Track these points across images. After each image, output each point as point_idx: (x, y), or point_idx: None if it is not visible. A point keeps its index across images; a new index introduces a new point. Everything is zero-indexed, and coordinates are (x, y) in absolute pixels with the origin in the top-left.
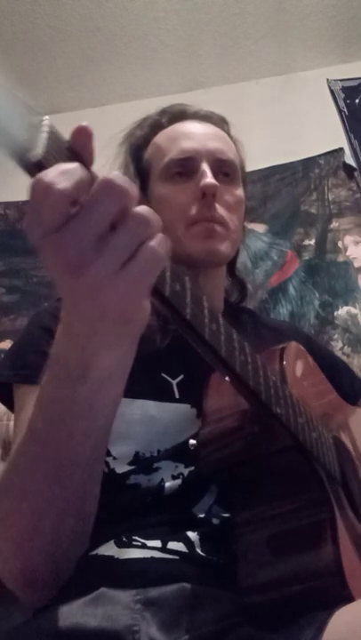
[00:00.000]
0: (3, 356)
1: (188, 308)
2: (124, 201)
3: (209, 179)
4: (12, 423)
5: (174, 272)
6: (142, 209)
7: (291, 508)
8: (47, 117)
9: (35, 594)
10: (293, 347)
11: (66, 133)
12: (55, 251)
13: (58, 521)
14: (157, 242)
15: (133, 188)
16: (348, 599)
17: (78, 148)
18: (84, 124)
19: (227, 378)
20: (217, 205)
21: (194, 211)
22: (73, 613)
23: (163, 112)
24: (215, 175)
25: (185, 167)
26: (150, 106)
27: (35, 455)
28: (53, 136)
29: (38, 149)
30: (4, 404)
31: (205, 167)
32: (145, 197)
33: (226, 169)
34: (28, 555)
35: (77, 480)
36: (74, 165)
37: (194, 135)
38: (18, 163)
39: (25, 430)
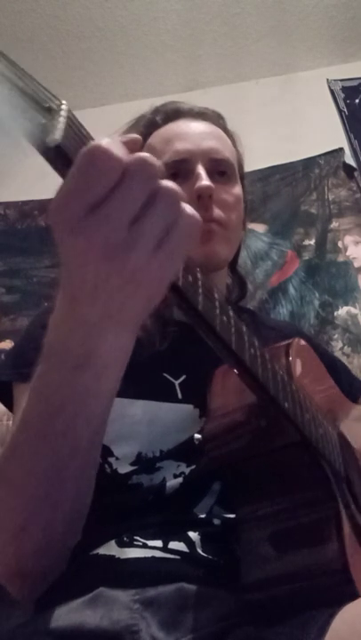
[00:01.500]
0: (3, 355)
1: (200, 298)
2: (157, 179)
3: (204, 181)
4: (11, 423)
5: (186, 264)
6: (171, 184)
7: (296, 504)
8: (65, 102)
9: (26, 586)
10: (298, 343)
11: None
12: (90, 234)
13: (53, 510)
14: (189, 214)
15: (161, 165)
16: (354, 596)
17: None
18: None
19: (235, 370)
20: (214, 206)
21: None
22: (72, 613)
23: (157, 111)
24: (211, 175)
25: (180, 169)
26: (152, 105)
27: (31, 447)
28: (72, 121)
29: (57, 134)
30: (4, 403)
31: (200, 169)
32: None
33: (221, 168)
34: (21, 545)
35: (75, 468)
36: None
37: (188, 135)
38: (36, 147)
39: (18, 424)
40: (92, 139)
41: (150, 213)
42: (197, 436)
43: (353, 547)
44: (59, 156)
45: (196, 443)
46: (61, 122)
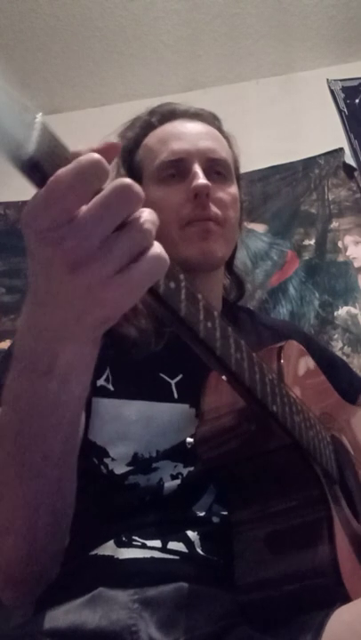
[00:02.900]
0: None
1: (182, 305)
2: (136, 205)
3: (201, 179)
4: None
5: (169, 269)
6: (149, 215)
7: (288, 506)
8: (40, 114)
9: (14, 593)
10: (292, 345)
11: (66, 133)
12: (57, 245)
13: (31, 517)
14: (158, 253)
15: (115, 145)
16: (345, 598)
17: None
18: (116, 142)
19: (223, 376)
20: (211, 204)
21: (187, 211)
22: (71, 613)
23: (152, 112)
24: (207, 174)
25: (177, 169)
26: (150, 106)
27: (6, 453)
28: (46, 133)
29: (30, 147)
30: None
31: (197, 168)
32: None
33: (218, 168)
34: (5, 552)
35: (50, 475)
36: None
37: (184, 135)
38: (10, 161)
39: None
40: (68, 151)
41: (121, 237)
42: (189, 440)
43: (345, 548)
44: (33, 169)
45: (189, 447)
46: (35, 135)
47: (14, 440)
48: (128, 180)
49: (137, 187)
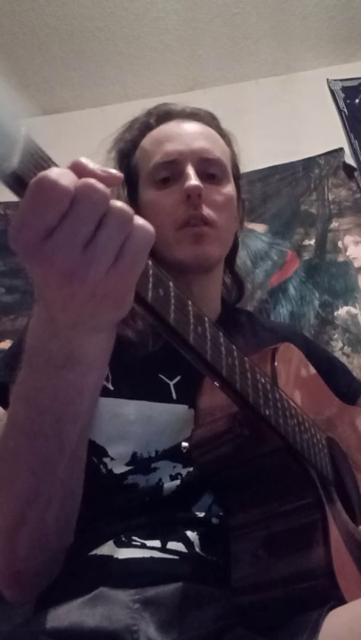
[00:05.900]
0: (2, 355)
1: (171, 313)
2: (105, 202)
3: (192, 181)
4: None
5: (157, 277)
6: (120, 205)
7: (283, 509)
8: (24, 128)
9: (21, 589)
10: (287, 347)
11: (66, 133)
12: (45, 262)
13: (43, 509)
14: (141, 226)
15: (116, 176)
16: (340, 600)
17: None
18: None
19: (215, 382)
20: (204, 206)
21: (180, 213)
22: (72, 613)
23: (149, 113)
24: (201, 176)
25: (170, 170)
26: (150, 106)
27: (20, 448)
28: (30, 147)
29: (13, 160)
30: (1, 404)
31: (190, 169)
32: (135, 202)
33: (212, 168)
34: (14, 547)
35: (64, 466)
36: (67, 170)
37: (178, 137)
38: None
39: (4, 427)
40: (53, 162)
41: (102, 235)
42: (185, 444)
43: (340, 550)
44: (16, 183)
45: (184, 451)
46: (18, 148)
47: (30, 434)
48: (90, 181)
49: (98, 184)
